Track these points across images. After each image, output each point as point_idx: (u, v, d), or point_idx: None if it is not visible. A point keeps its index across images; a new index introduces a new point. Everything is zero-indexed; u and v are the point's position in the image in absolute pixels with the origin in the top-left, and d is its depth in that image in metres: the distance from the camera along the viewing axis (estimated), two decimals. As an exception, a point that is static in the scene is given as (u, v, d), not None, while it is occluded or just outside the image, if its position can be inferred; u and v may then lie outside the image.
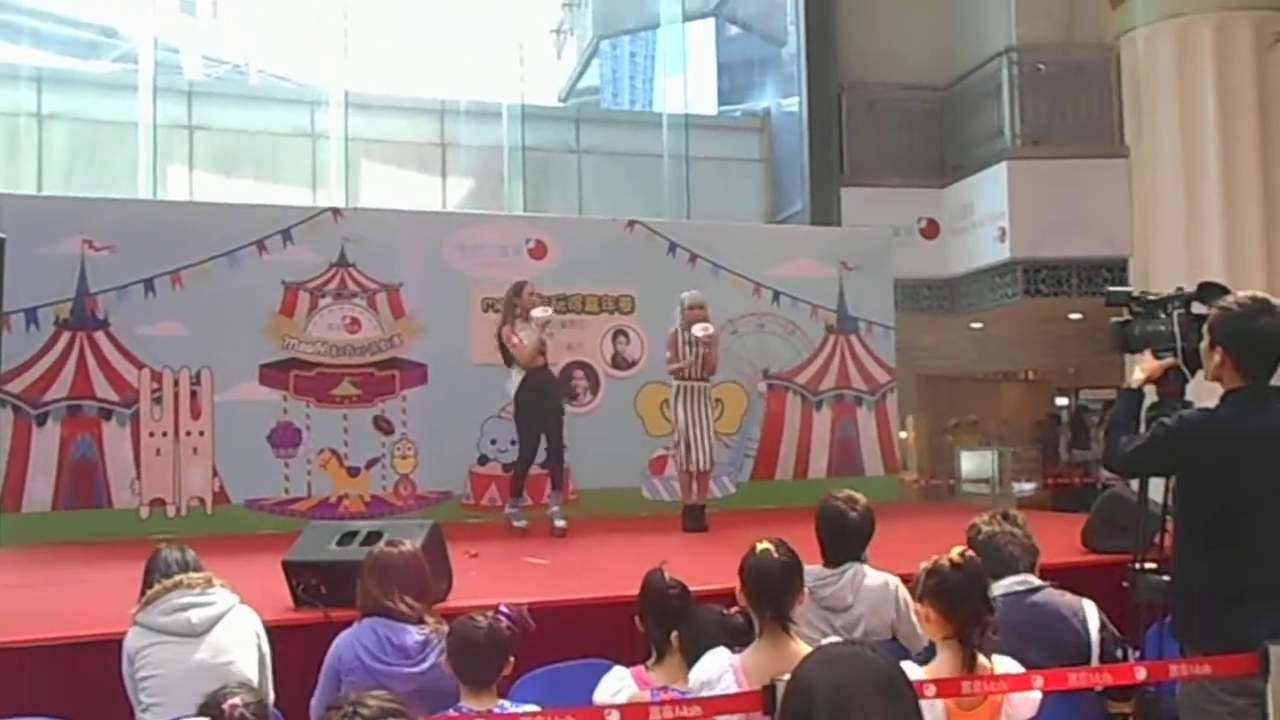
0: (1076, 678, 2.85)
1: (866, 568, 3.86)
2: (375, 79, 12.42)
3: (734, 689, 2.84)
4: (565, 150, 12.06)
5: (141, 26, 11.65)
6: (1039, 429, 14.00)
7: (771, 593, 2.98)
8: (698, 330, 7.25)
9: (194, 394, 8.09)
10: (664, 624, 3.35)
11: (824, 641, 3.03)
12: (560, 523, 7.29)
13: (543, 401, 7.35)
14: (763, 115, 12.91)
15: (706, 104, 13.76)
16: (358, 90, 11.51)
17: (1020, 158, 10.40)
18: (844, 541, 3.86)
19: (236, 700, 2.53)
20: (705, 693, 2.92)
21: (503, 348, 7.37)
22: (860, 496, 3.97)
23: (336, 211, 8.82)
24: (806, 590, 3.12)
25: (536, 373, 7.32)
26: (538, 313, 7.21)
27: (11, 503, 7.61)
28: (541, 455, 7.34)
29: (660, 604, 3.41)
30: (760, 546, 3.07)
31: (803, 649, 2.97)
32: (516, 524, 7.42)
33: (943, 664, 2.81)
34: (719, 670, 2.90)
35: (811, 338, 9.84)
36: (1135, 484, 3.69)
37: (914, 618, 3.67)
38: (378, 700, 1.71)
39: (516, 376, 7.34)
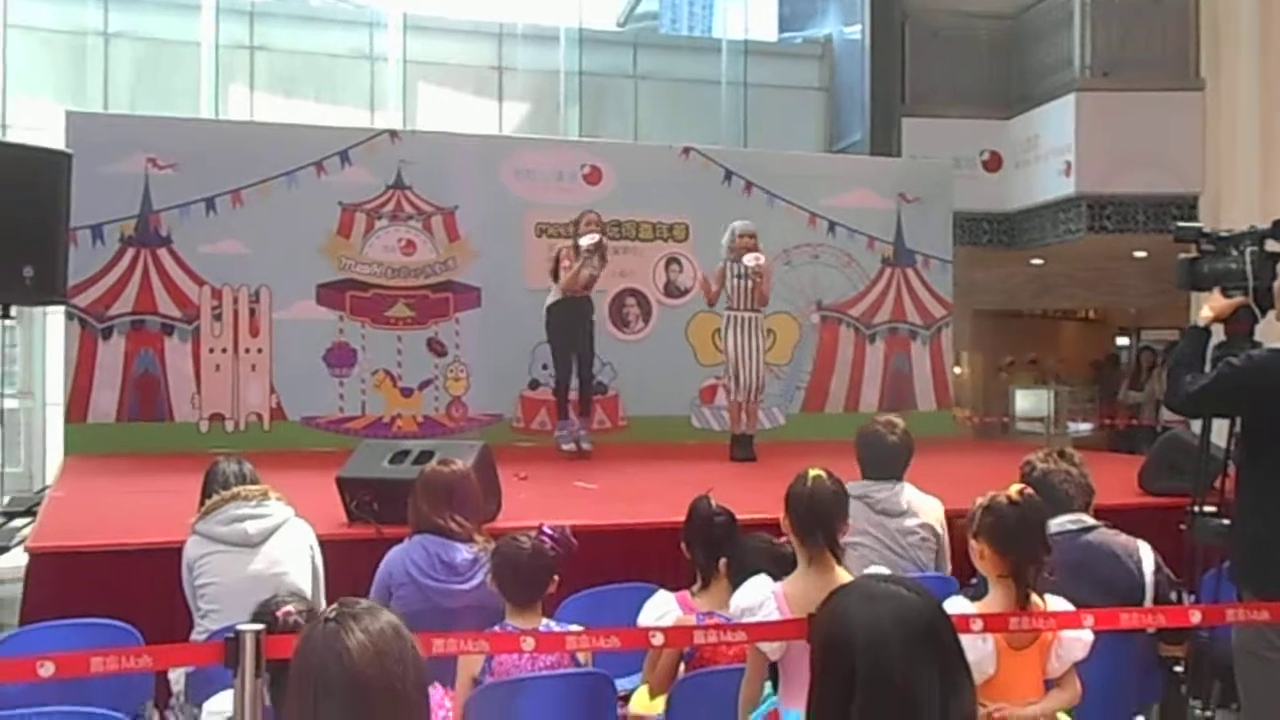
0: (1129, 618, 2.82)
1: (909, 485, 3.93)
2: (433, 1, 12.28)
3: (776, 616, 2.85)
4: (622, 75, 11.90)
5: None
6: (1096, 370, 13.78)
7: (825, 518, 2.98)
8: (749, 260, 7.18)
9: (253, 312, 8.20)
10: (710, 550, 3.37)
11: (869, 570, 3.06)
12: (586, 445, 7.48)
13: (575, 327, 7.49)
14: (824, 42, 12.62)
15: (766, 30, 13.46)
16: (416, 12, 11.41)
17: (1090, 89, 10.09)
18: (886, 463, 3.92)
19: (290, 608, 2.58)
20: (746, 619, 2.94)
21: (555, 267, 7.49)
22: (899, 420, 4.06)
23: (394, 134, 8.82)
24: (850, 515, 3.13)
25: (576, 299, 7.42)
26: (584, 240, 7.25)
27: (78, 413, 7.82)
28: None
29: (706, 530, 3.43)
30: (813, 473, 3.06)
31: (846, 577, 2.98)
32: (565, 447, 7.51)
33: (994, 601, 2.79)
34: (760, 598, 2.91)
35: (867, 270, 9.73)
36: (1197, 425, 3.61)
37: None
38: (364, 607, 1.74)
39: (554, 295, 7.46)
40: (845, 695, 1.55)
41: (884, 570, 3.14)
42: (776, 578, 3.00)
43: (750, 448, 7.34)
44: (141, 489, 5.84)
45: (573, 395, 7.63)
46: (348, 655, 1.64)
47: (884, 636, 1.55)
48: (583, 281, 7.36)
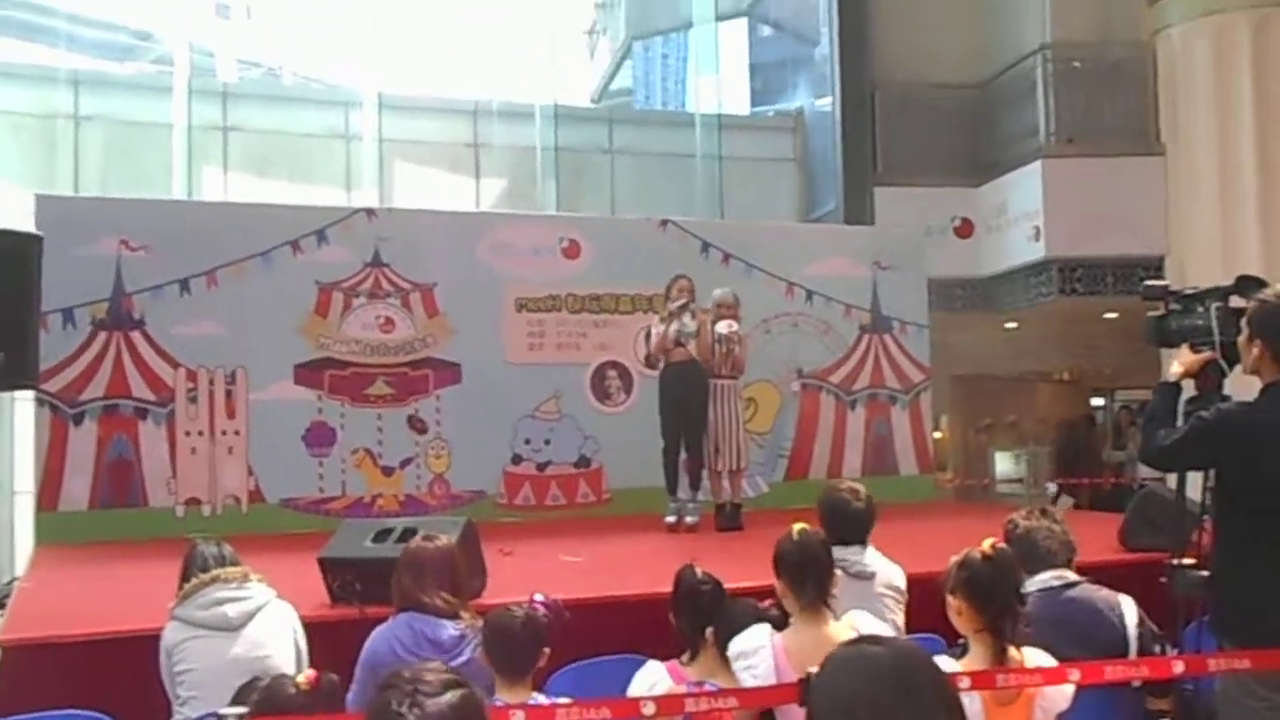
0: (1113, 671, 2.83)
1: (872, 549, 4.02)
2: (408, 80, 12.50)
3: (770, 663, 2.86)
4: (598, 150, 12.07)
5: (176, 29, 11.77)
6: (1069, 431, 13.83)
7: (817, 571, 3.07)
8: (721, 327, 7.25)
9: (229, 393, 8.15)
10: (697, 620, 3.34)
11: (856, 617, 3.08)
12: (690, 519, 7.31)
13: (678, 393, 7.37)
14: (796, 115, 12.87)
15: (739, 104, 13.74)
16: (391, 91, 11.57)
17: (1055, 156, 10.31)
18: (851, 528, 3.96)
19: (301, 680, 2.57)
20: (741, 663, 2.95)
21: (648, 338, 7.53)
22: (861, 487, 4.12)
23: (370, 212, 8.87)
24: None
25: (673, 364, 7.36)
26: (675, 304, 7.30)
27: (49, 501, 7.69)
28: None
29: (693, 600, 3.41)
30: (799, 528, 3.18)
31: (839, 630, 3.00)
32: (667, 519, 7.36)
33: (975, 658, 2.80)
34: (756, 644, 2.95)
35: (845, 337, 9.80)
36: (1172, 480, 3.65)
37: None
38: (435, 674, 1.68)
39: (662, 364, 7.49)
40: None
41: (868, 617, 3.16)
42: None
43: (737, 517, 7.31)
44: (116, 576, 5.76)
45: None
46: None
47: (856, 700, 1.49)
48: (671, 339, 7.26)
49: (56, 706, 3.38)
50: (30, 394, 7.53)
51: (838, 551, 3.73)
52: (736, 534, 7.15)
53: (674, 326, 7.28)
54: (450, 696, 1.65)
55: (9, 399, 8.98)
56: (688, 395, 7.36)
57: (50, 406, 7.76)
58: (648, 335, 7.55)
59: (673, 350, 7.33)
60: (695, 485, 7.43)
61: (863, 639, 1.64)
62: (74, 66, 10.88)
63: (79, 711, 3.31)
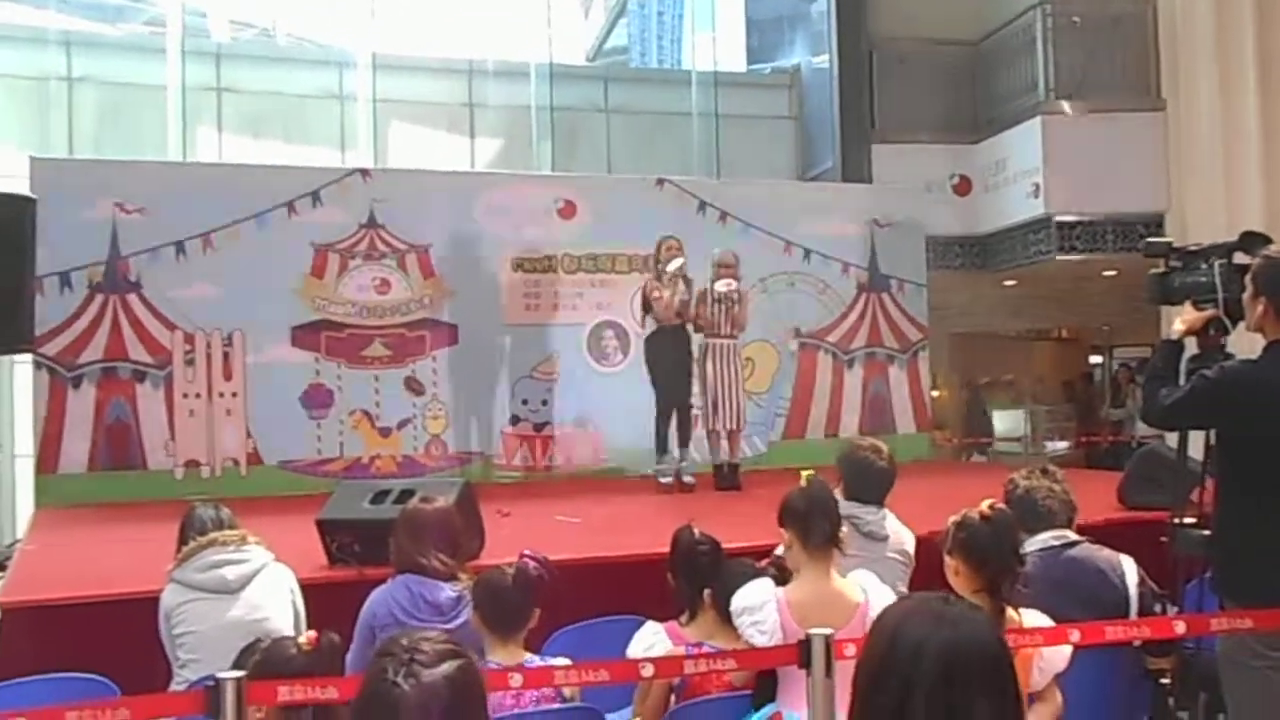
0: (1114, 632, 2.83)
1: (890, 512, 3.96)
2: (402, 40, 12.32)
3: (775, 618, 2.87)
4: (593, 109, 11.96)
5: (169, -11, 11.63)
6: (1069, 389, 13.86)
7: (824, 516, 3.07)
8: (720, 286, 7.26)
9: (226, 355, 8.14)
10: (695, 581, 3.35)
11: (856, 574, 3.08)
12: (688, 478, 7.32)
13: (670, 357, 7.38)
14: (792, 72, 12.74)
15: (735, 61, 13.58)
16: (385, 51, 11.45)
17: (1055, 112, 10.21)
18: (872, 487, 3.91)
19: (303, 641, 2.59)
20: (747, 619, 2.95)
21: (644, 300, 7.46)
22: (884, 446, 4.06)
23: (365, 172, 8.83)
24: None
25: (673, 328, 7.35)
26: (672, 266, 7.22)
27: (48, 464, 7.71)
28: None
29: (690, 561, 3.41)
30: (806, 473, 3.20)
31: (845, 586, 3.01)
32: (663, 480, 7.37)
33: (971, 618, 2.79)
34: (762, 599, 2.95)
35: (843, 296, 9.78)
36: (1173, 439, 3.63)
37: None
38: (432, 643, 1.67)
39: (650, 326, 7.46)
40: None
41: (874, 579, 3.16)
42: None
43: (735, 477, 7.32)
44: (115, 539, 5.77)
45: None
46: (404, 705, 1.60)
47: (956, 662, 1.44)
48: (676, 308, 7.29)
49: (56, 669, 3.38)
50: (29, 357, 7.50)
51: (854, 508, 3.73)
52: (734, 493, 7.15)
53: (679, 295, 7.25)
54: (446, 667, 1.63)
55: (8, 362, 8.97)
56: (682, 357, 7.41)
57: (48, 370, 7.75)
58: (645, 299, 7.48)
59: (674, 318, 7.32)
60: (685, 443, 7.46)
61: (940, 597, 1.58)
62: (66, 27, 10.73)
63: (79, 674, 3.32)
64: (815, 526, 3.04)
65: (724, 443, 7.47)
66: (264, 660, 2.65)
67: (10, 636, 3.95)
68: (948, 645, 1.46)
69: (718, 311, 7.29)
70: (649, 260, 8.97)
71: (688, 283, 7.35)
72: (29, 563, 5.19)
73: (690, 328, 7.45)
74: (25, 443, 8.41)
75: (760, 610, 2.92)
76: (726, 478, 7.34)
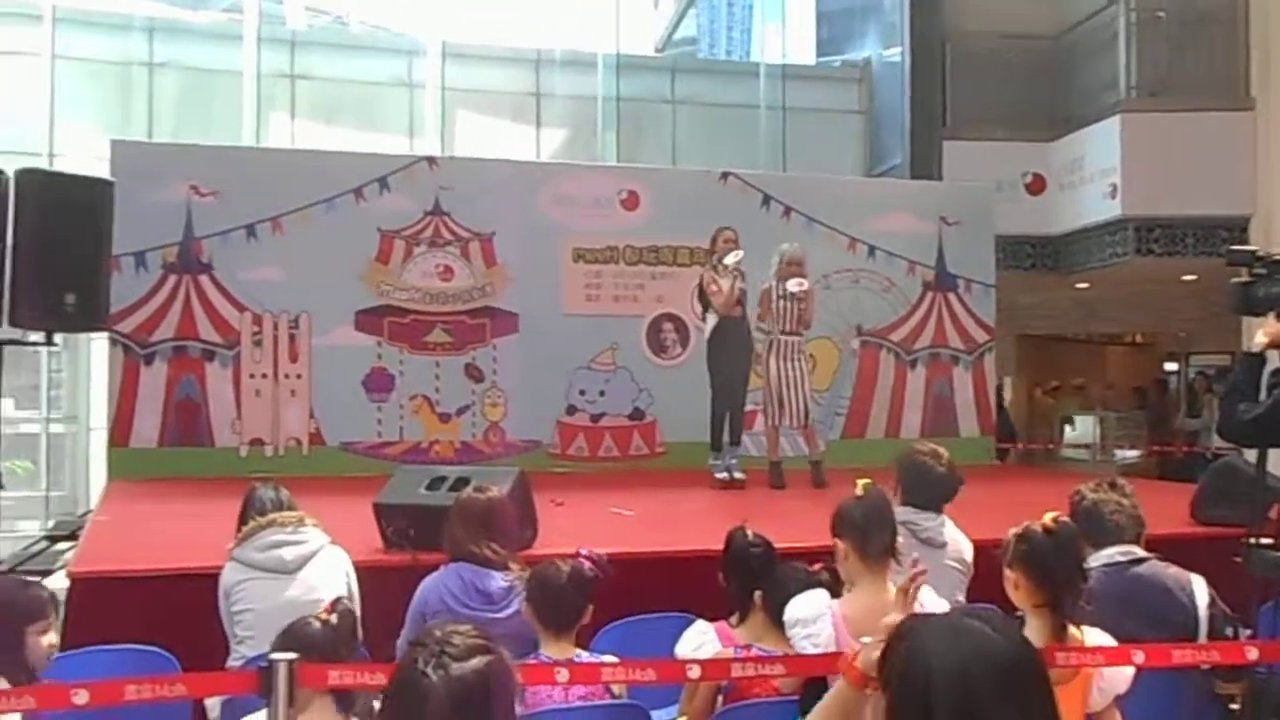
0: (1180, 655, 2.73)
1: (949, 519, 3.88)
2: (472, 29, 12.39)
3: (830, 632, 2.81)
4: (660, 100, 11.93)
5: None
6: (1141, 395, 13.54)
7: (882, 527, 2.99)
8: (792, 286, 7.12)
9: (292, 337, 8.26)
10: (747, 582, 3.31)
11: (924, 595, 3.01)
12: (738, 474, 7.24)
13: (732, 354, 7.31)
14: (863, 65, 12.58)
15: (805, 54, 13.46)
16: (454, 40, 11.53)
17: (1136, 110, 9.96)
18: (931, 493, 3.82)
19: (314, 623, 2.63)
20: (800, 631, 2.89)
21: (702, 293, 7.38)
22: (944, 451, 3.96)
23: (432, 160, 8.89)
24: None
25: (731, 321, 7.26)
26: (730, 259, 7.16)
27: (121, 437, 7.90)
28: None
29: (743, 562, 3.37)
30: (864, 483, 3.09)
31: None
32: (719, 475, 7.30)
33: (1032, 634, 2.70)
34: (816, 612, 2.88)
35: (908, 294, 9.64)
36: (1252, 453, 3.50)
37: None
38: (464, 637, 1.67)
39: (711, 321, 7.36)
40: None
41: (929, 591, 3.08)
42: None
43: (820, 473, 7.20)
44: (182, 513, 5.86)
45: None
46: (433, 697, 1.61)
47: (972, 677, 1.41)
48: (736, 298, 7.22)
49: (121, 640, 3.45)
50: (105, 334, 7.68)
51: (911, 515, 3.65)
52: (786, 493, 7.07)
53: (739, 285, 7.18)
54: (476, 662, 1.64)
55: (85, 338, 9.19)
56: (743, 355, 7.35)
57: (123, 347, 7.93)
58: (702, 292, 7.42)
59: (734, 308, 7.24)
60: (736, 441, 7.41)
61: (970, 615, 1.55)
62: (149, 14, 10.98)
63: (142, 646, 3.37)
64: (873, 539, 2.95)
65: (783, 440, 7.39)
66: (287, 633, 2.71)
67: (79, 605, 4.03)
68: (961, 660, 1.42)
69: (786, 308, 7.20)
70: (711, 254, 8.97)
71: (742, 275, 7.25)
72: (100, 534, 5.30)
73: (751, 321, 7.37)
74: (100, 416, 8.63)
75: (814, 624, 2.85)
76: (778, 476, 7.25)
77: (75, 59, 10.16)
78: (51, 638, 3.04)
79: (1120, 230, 10.06)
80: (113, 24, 10.62)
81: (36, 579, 3.17)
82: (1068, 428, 12.60)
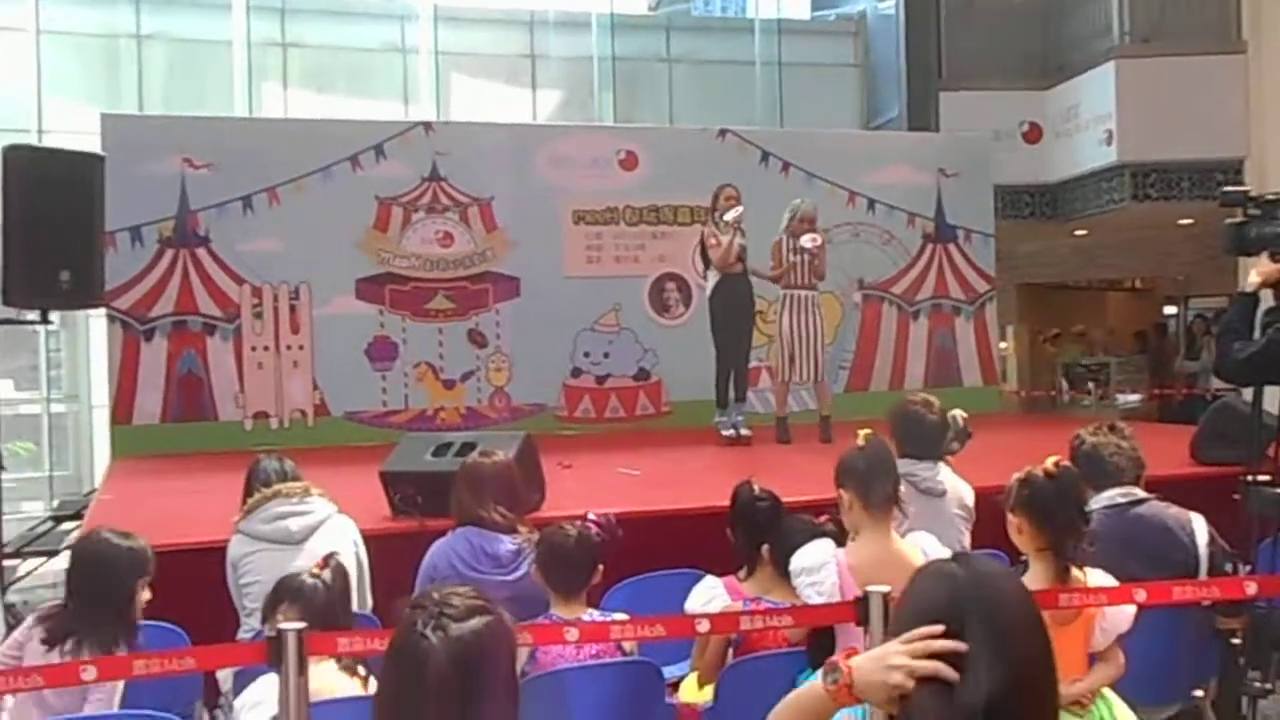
0: (1181, 592, 2.76)
1: (945, 466, 3.92)
2: (464, -9, 12.29)
3: (834, 580, 2.84)
4: (655, 59, 11.84)
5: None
6: (1141, 340, 13.55)
7: (885, 476, 3.02)
8: (806, 241, 7.10)
9: (293, 308, 8.26)
10: (754, 536, 3.34)
11: (917, 537, 3.05)
12: (745, 431, 7.25)
13: (736, 308, 7.31)
14: (857, 18, 12.48)
15: (799, 8, 13.32)
16: (446, 3, 11.42)
17: (1129, 56, 9.89)
18: (926, 442, 3.88)
19: (307, 578, 2.68)
20: (805, 579, 2.93)
21: (703, 250, 7.34)
22: (935, 399, 4.02)
23: (428, 126, 8.85)
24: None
25: (732, 278, 7.24)
26: (730, 215, 7.13)
27: (123, 415, 7.92)
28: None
29: (750, 516, 3.40)
30: (866, 432, 3.12)
31: (905, 548, 2.96)
32: (725, 433, 7.32)
33: (1035, 577, 2.74)
34: (821, 560, 2.92)
35: (908, 246, 9.64)
36: (1248, 392, 3.52)
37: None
38: (463, 598, 1.68)
39: (712, 279, 7.35)
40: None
41: (933, 540, 3.12)
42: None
43: (828, 429, 7.19)
44: (187, 489, 5.90)
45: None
46: (432, 658, 1.62)
47: (998, 613, 1.42)
48: (735, 254, 7.18)
49: (130, 617, 3.47)
50: (103, 311, 7.68)
51: (909, 466, 3.68)
52: (792, 448, 7.10)
53: (738, 241, 7.16)
54: (475, 622, 1.65)
55: (84, 316, 9.18)
56: (744, 309, 7.34)
57: (121, 323, 7.93)
58: (703, 247, 7.41)
59: (734, 264, 7.23)
60: (742, 398, 7.41)
61: (951, 558, 1.57)
62: (135, -15, 10.86)
63: (152, 622, 3.40)
64: (876, 487, 2.98)
65: (790, 397, 7.45)
66: (276, 587, 2.79)
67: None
68: (952, 591, 1.44)
69: (798, 263, 7.18)
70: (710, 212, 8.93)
71: (742, 233, 7.22)
72: (104, 511, 5.32)
73: (752, 276, 7.36)
74: (101, 394, 8.64)
75: (819, 571, 2.89)
76: (784, 431, 7.28)
77: (61, 33, 10.04)
78: (147, 593, 3.10)
79: (1117, 176, 10.04)
80: (99, -3, 10.53)
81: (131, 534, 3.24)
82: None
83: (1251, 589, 2.82)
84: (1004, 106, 10.72)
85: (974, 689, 1.36)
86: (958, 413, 4.14)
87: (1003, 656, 1.38)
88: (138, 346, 7.96)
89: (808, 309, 7.22)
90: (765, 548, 3.28)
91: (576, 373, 8.81)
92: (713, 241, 7.22)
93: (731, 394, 7.40)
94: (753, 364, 8.66)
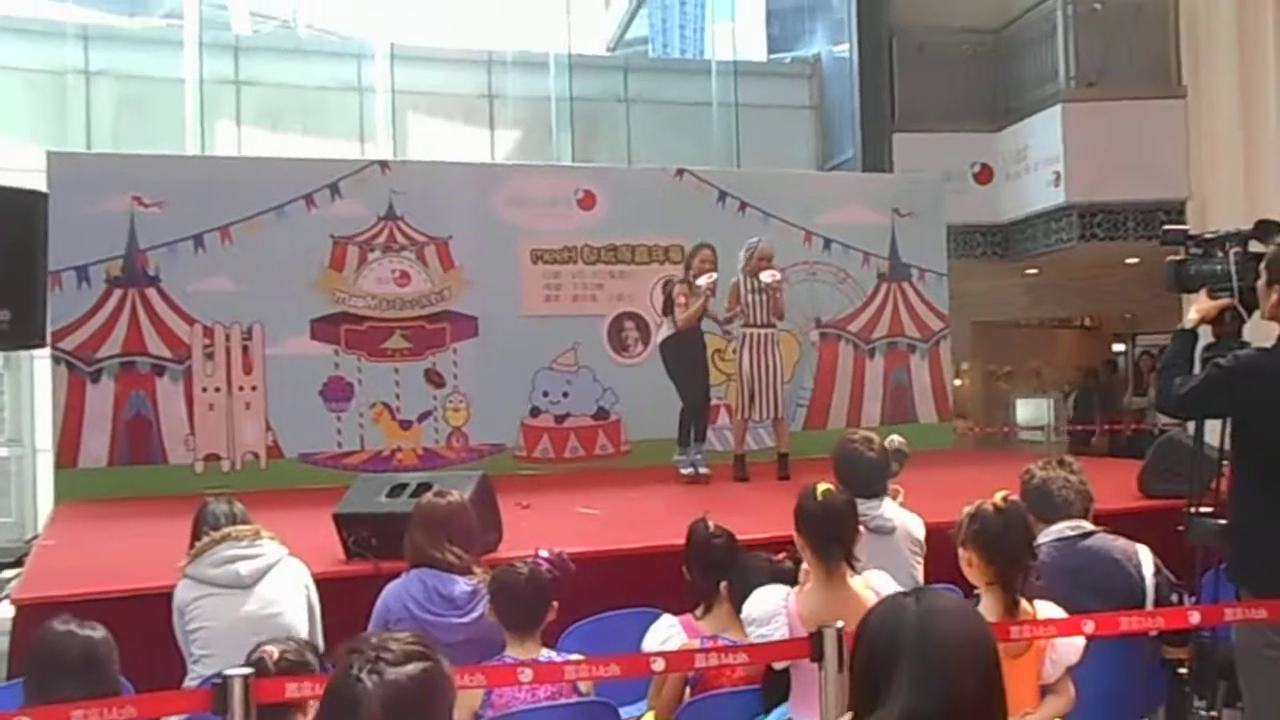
0: (1128, 622, 2.80)
1: (888, 500, 3.97)
2: (421, 31, 12.33)
3: (784, 632, 2.84)
4: (613, 99, 11.94)
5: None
6: (1090, 376, 13.77)
7: (841, 532, 3.00)
8: (766, 277, 7.16)
9: (245, 349, 8.15)
10: (710, 573, 3.33)
11: (872, 575, 3.05)
12: (704, 469, 7.33)
13: (688, 359, 7.46)
14: (813, 61, 12.68)
15: (755, 51, 13.53)
16: (403, 42, 11.46)
17: (1075, 100, 10.12)
18: (868, 480, 3.89)
19: (272, 649, 2.56)
20: (755, 630, 2.92)
21: (667, 300, 7.50)
22: (874, 436, 4.07)
23: (384, 164, 8.81)
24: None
25: (688, 330, 7.38)
26: (703, 280, 7.20)
27: (68, 458, 7.72)
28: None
29: (705, 553, 3.40)
30: (822, 487, 3.08)
31: (859, 590, 2.96)
32: (684, 471, 7.37)
33: (986, 610, 2.77)
34: (771, 611, 2.91)
35: (863, 285, 9.73)
36: (1192, 427, 3.60)
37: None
38: (401, 643, 1.67)
39: (666, 329, 7.46)
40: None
41: (886, 578, 3.12)
42: (783, 591, 2.99)
43: (786, 466, 7.24)
44: (134, 534, 5.78)
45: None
46: (365, 703, 1.60)
47: (939, 650, 1.47)
48: (699, 317, 7.35)
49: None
50: (48, 352, 7.53)
51: (859, 505, 3.70)
52: (750, 485, 7.13)
53: (700, 304, 7.26)
54: (411, 668, 1.64)
55: (28, 357, 9.03)
56: (699, 357, 7.50)
57: (67, 364, 7.77)
58: (668, 299, 7.48)
59: (693, 322, 7.35)
60: (702, 438, 7.51)
61: (907, 593, 1.61)
62: (83, 21, 10.79)
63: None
64: (831, 544, 2.97)
65: (749, 435, 7.48)
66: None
67: (24, 634, 3.95)
68: (927, 634, 1.47)
69: (758, 301, 7.24)
70: (669, 250, 9.00)
71: (713, 294, 7.33)
72: (45, 558, 5.21)
73: (704, 323, 7.49)
74: (46, 437, 8.46)
75: (769, 623, 2.88)
76: (741, 469, 7.31)
77: (7, 68, 9.94)
78: None
79: (1065, 216, 10.24)
80: (45, 31, 10.40)
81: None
82: (1020, 410, 12.78)
83: (1195, 618, 2.87)
84: (956, 148, 10.91)
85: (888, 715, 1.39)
86: (895, 438, 4.19)
87: (934, 689, 1.40)
88: (84, 388, 7.79)
89: (767, 347, 7.28)
90: (723, 585, 3.27)
91: (535, 412, 8.77)
92: (681, 300, 7.28)
93: (692, 433, 7.41)
94: (712, 402, 8.73)
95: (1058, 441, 11.72)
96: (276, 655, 2.55)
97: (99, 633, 2.76)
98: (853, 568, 3.00)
